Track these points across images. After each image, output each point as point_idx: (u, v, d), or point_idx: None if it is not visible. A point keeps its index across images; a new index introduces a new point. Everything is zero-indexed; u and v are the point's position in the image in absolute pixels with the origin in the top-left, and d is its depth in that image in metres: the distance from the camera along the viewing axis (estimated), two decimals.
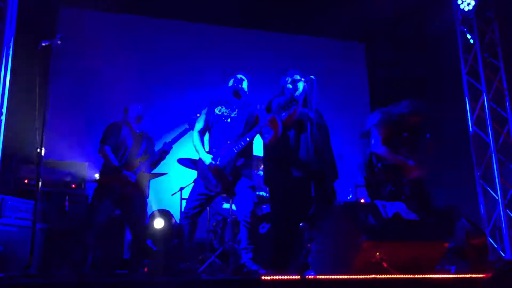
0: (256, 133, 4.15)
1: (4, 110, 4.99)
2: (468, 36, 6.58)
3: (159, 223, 5.19)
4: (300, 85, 4.23)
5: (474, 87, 6.53)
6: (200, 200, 4.20)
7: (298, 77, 4.33)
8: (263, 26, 7.79)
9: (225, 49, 7.58)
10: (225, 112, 4.33)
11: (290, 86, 4.35)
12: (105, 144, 4.65)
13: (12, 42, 5.12)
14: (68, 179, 5.40)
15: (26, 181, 5.33)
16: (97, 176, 4.84)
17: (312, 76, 4.14)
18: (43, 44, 3.94)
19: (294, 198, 4.06)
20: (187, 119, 4.84)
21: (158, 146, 4.94)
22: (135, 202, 4.63)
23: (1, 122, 4.93)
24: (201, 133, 4.37)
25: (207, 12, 7.29)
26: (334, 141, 4.42)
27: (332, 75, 7.58)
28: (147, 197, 4.79)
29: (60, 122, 6.35)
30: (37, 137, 3.87)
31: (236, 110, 4.33)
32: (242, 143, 4.13)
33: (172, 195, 5.95)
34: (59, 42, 3.95)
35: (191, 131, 4.73)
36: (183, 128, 4.90)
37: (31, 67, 5.66)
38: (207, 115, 4.40)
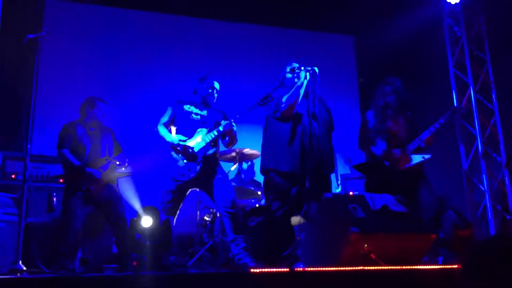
0: (228, 127, 4.17)
1: None
2: (455, 29, 6.62)
3: (147, 222, 5.16)
4: (302, 75, 4.09)
5: (461, 80, 6.57)
6: (169, 198, 4.24)
7: (296, 65, 4.24)
8: (247, 19, 7.74)
9: (210, 43, 7.55)
10: (195, 110, 4.41)
11: (289, 75, 4.29)
12: (62, 148, 4.63)
13: None
14: (56, 174, 5.36)
15: (13, 176, 5.29)
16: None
17: (315, 68, 4.07)
18: (29, 38, 3.89)
19: (285, 192, 4.05)
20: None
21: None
22: (111, 200, 4.63)
23: None
24: (166, 126, 4.43)
25: (193, 5, 7.25)
26: None
27: (320, 68, 7.58)
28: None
29: (48, 116, 6.31)
30: (24, 132, 3.83)
31: (206, 111, 4.42)
32: (215, 133, 4.16)
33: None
34: (45, 35, 3.91)
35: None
36: None
37: (17, 61, 5.63)
38: (173, 111, 4.45)
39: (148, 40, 7.34)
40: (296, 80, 4.15)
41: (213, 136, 4.18)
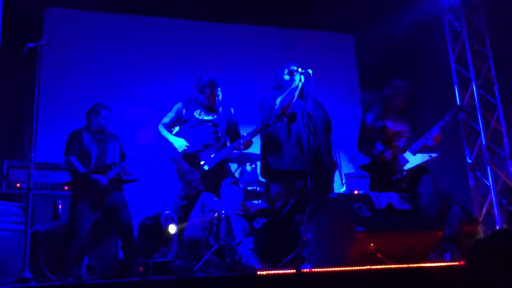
0: (236, 147, 4.17)
1: None
2: (455, 25, 6.60)
3: (172, 229, 5.14)
4: (297, 77, 4.13)
5: (462, 75, 6.55)
6: (182, 203, 4.25)
7: (295, 68, 4.27)
8: (247, 21, 7.74)
9: (213, 45, 7.55)
10: (205, 116, 4.36)
11: (287, 77, 4.32)
12: (69, 155, 4.67)
13: None
14: (61, 181, 5.38)
15: (18, 185, 5.31)
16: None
17: (309, 70, 4.10)
18: (29, 46, 3.90)
19: (288, 191, 4.06)
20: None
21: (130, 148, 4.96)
22: (118, 206, 4.64)
23: None
24: (167, 128, 4.37)
25: (192, 8, 7.24)
26: None
27: (322, 67, 7.55)
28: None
29: (51, 124, 6.32)
30: (27, 141, 3.84)
31: (216, 116, 4.38)
32: (224, 153, 4.18)
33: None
34: (45, 43, 3.92)
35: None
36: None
37: (18, 70, 5.63)
38: (177, 113, 4.39)
39: (149, 44, 7.34)
40: (292, 81, 4.20)
41: (222, 156, 4.19)
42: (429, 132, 4.37)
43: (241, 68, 7.37)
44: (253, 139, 4.22)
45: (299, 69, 4.16)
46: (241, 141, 4.15)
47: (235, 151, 4.28)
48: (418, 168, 4.38)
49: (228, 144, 4.33)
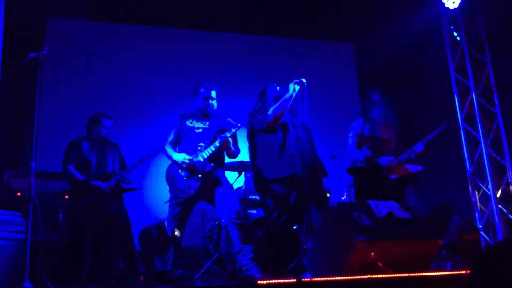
0: (223, 140, 4.19)
1: None
2: (455, 34, 6.63)
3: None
4: (291, 87, 4.12)
5: (462, 84, 6.57)
6: (175, 211, 4.26)
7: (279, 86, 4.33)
8: (246, 30, 7.77)
9: (213, 55, 7.57)
10: (196, 124, 4.44)
11: (278, 88, 4.34)
12: (67, 164, 4.67)
13: (0, 54, 5.09)
14: (61, 190, 5.37)
15: (19, 194, 5.30)
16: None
17: (303, 79, 4.09)
18: (31, 56, 3.92)
19: (283, 200, 4.05)
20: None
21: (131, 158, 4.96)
22: (118, 214, 4.65)
23: None
24: (172, 144, 4.45)
25: (193, 18, 7.28)
26: (327, 142, 4.44)
27: (321, 76, 7.60)
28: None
29: (51, 133, 6.33)
30: (28, 150, 3.85)
31: (207, 123, 4.45)
32: (212, 148, 4.18)
33: (166, 202, 5.94)
34: (46, 53, 3.94)
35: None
36: (146, 155, 4.90)
37: (20, 79, 5.66)
38: (177, 128, 4.47)
39: (152, 54, 7.37)
40: (285, 92, 4.21)
41: (210, 152, 4.20)
42: (412, 148, 4.41)
43: (240, 77, 7.38)
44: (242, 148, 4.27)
45: (294, 81, 4.16)
46: (217, 143, 4.19)
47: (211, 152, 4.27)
48: (403, 179, 4.40)
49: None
